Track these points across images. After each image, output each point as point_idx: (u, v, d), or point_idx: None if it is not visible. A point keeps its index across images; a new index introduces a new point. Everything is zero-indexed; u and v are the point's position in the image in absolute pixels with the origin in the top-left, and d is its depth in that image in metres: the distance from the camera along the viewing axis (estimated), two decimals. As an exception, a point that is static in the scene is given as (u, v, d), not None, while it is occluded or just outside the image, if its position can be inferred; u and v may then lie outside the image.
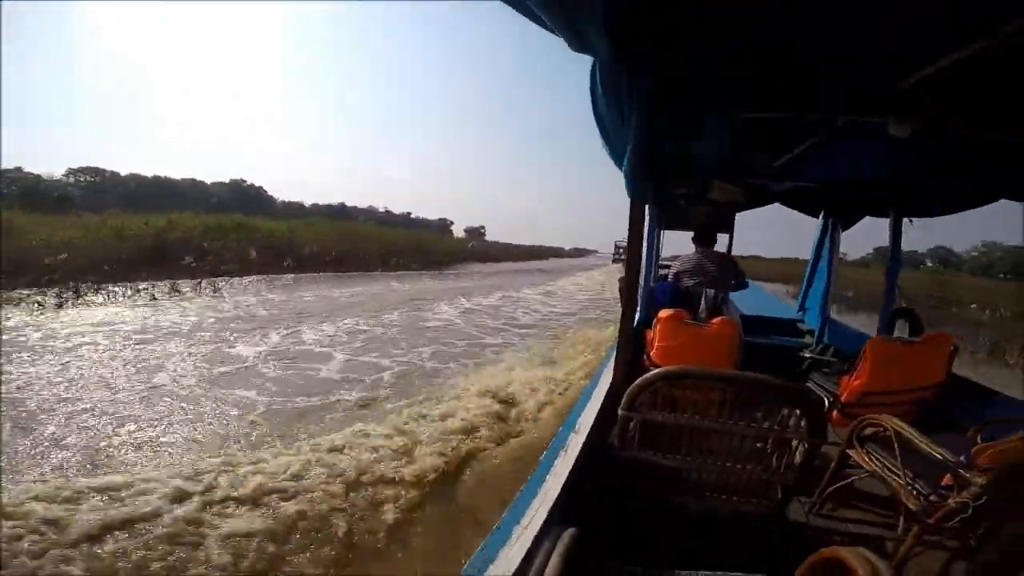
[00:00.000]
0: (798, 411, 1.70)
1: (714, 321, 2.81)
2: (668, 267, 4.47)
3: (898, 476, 2.02)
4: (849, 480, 2.33)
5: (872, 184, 3.94)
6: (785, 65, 1.99)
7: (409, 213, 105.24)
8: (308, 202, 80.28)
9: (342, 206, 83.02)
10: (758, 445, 1.81)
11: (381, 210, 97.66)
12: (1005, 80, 1.84)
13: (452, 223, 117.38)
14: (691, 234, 4.33)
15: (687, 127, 2.81)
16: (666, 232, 6.37)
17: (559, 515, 1.44)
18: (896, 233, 4.11)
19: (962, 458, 1.79)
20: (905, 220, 4.04)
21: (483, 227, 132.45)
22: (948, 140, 2.46)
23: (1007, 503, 1.66)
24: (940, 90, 1.91)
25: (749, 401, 1.75)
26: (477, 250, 47.99)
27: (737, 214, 5.89)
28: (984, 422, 2.21)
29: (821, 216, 5.10)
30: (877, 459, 2.16)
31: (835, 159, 3.32)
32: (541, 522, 1.34)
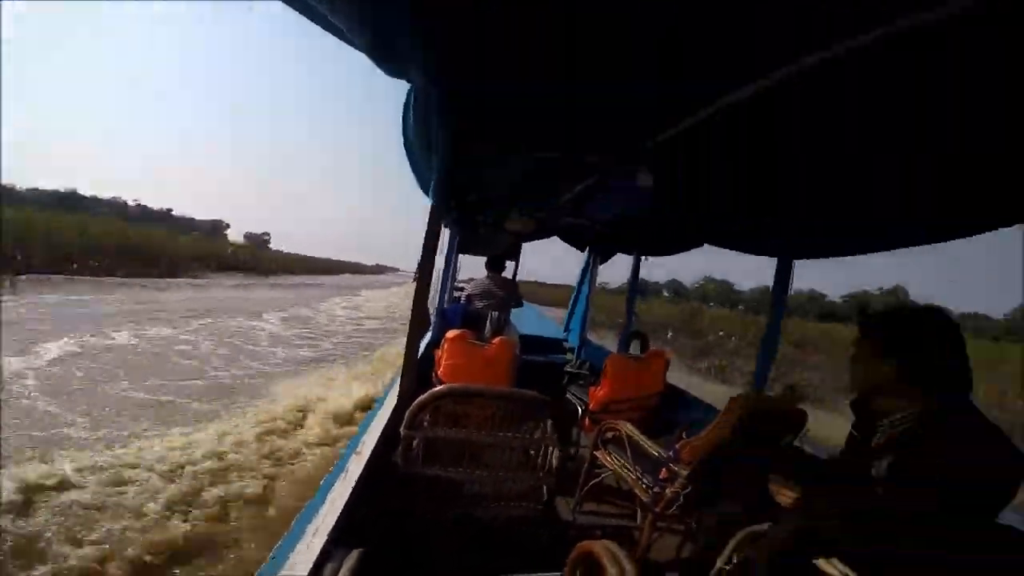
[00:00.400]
0: (550, 421, 1.94)
1: (494, 341, 3.03)
2: (463, 289, 4.72)
3: (632, 473, 2.37)
4: (600, 479, 2.66)
5: (622, 225, 4.65)
6: (567, 116, 2.24)
7: (170, 209, 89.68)
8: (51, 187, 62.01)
9: (74, 193, 66.63)
10: (531, 452, 1.98)
11: (131, 203, 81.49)
12: (721, 146, 2.29)
13: (228, 225, 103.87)
14: (477, 258, 4.66)
15: (489, 161, 3.00)
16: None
17: (342, 539, 1.40)
18: (636, 269, 4.99)
19: (671, 454, 2.19)
20: (643, 257, 4.94)
21: (267, 234, 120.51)
22: (675, 193, 2.99)
23: (705, 489, 2.06)
24: (674, 150, 2.34)
25: (520, 414, 1.94)
26: (245, 258, 41.25)
27: (525, 243, 6.42)
28: (688, 423, 2.68)
29: (587, 250, 5.89)
30: (616, 459, 2.50)
31: (601, 201, 3.82)
32: (320, 547, 1.29)
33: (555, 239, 5.80)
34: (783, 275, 3.00)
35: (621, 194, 3.31)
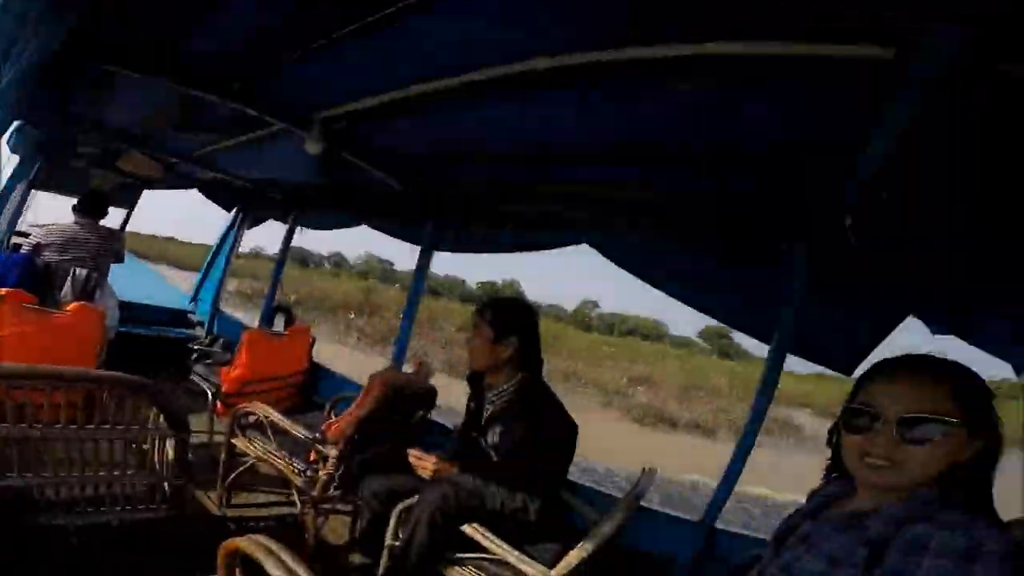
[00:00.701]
0: (158, 407, 1.63)
1: (69, 308, 2.28)
2: (29, 236, 3.54)
3: (279, 458, 2.19)
4: (248, 467, 2.37)
5: (280, 189, 4.29)
6: (231, 53, 1.94)
7: None
8: None
9: None
10: (135, 445, 1.70)
11: None
12: (392, 134, 2.41)
13: None
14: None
15: (103, 83, 2.38)
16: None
17: None
18: (289, 237, 4.61)
19: (317, 435, 2.09)
20: (300, 228, 4.60)
21: None
22: (342, 166, 2.89)
23: (359, 468, 2.03)
24: (346, 125, 2.32)
25: (115, 401, 1.56)
26: None
27: (148, 191, 5.27)
28: (332, 400, 2.70)
29: (235, 211, 5.20)
30: (259, 445, 2.28)
31: (261, 160, 3.44)
32: None
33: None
34: (424, 262, 3.33)
35: (284, 157, 3.05)
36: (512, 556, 1.49)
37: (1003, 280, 1.72)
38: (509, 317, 1.75)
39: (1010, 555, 0.65)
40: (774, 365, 2.13)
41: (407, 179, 2.87)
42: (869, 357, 1.93)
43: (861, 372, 0.92)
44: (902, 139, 1.25)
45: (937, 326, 1.82)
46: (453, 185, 2.91)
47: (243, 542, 0.79)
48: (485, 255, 3.31)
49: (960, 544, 0.66)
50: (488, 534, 1.53)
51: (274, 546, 0.77)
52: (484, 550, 1.54)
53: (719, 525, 2.19)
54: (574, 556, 1.41)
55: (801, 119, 1.49)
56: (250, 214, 5.15)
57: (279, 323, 3.33)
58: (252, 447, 2.31)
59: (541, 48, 1.47)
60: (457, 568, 1.60)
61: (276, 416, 2.20)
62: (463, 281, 40.62)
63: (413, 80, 1.82)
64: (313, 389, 3.32)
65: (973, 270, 1.76)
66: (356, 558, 2.17)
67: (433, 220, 3.18)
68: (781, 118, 1.51)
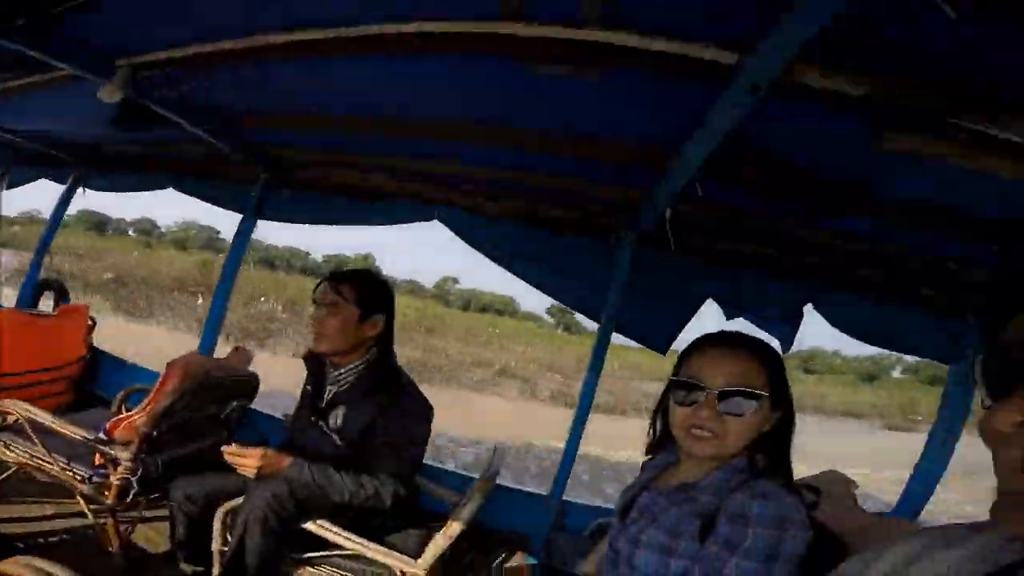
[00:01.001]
0: None
1: None
2: None
3: (52, 463, 1.84)
4: (6, 477, 1.99)
5: (61, 145, 3.51)
6: None
7: None
8: None
9: None
10: None
11: None
12: (217, 89, 2.12)
13: None
14: None
15: None
16: None
17: None
18: (67, 197, 3.72)
19: (101, 434, 1.79)
20: (83, 189, 3.74)
21: None
22: (146, 118, 2.41)
23: (164, 468, 1.78)
24: (158, 75, 2.00)
25: None
26: None
27: None
28: (122, 393, 2.31)
29: None
30: (21, 450, 1.92)
31: (36, 110, 2.79)
32: None
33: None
34: (245, 230, 2.99)
35: (71, 108, 2.61)
36: (369, 549, 1.40)
37: (775, 273, 2.11)
38: (375, 292, 1.62)
39: (807, 523, 0.77)
40: (601, 343, 2.34)
41: (233, 139, 2.54)
42: (680, 337, 2.22)
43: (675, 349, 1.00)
44: (721, 143, 1.36)
45: (729, 309, 2.17)
46: (288, 149, 2.66)
47: (8, 565, 0.66)
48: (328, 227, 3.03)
49: (773, 514, 0.76)
50: (335, 529, 1.42)
51: (50, 566, 0.64)
52: (336, 546, 1.43)
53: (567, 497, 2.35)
54: (440, 542, 1.37)
55: (640, 113, 1.60)
56: (9, 173, 4.09)
57: (47, 303, 2.70)
58: (11, 453, 1.91)
59: (398, 11, 1.37)
60: (309, 568, 1.48)
61: (41, 415, 1.83)
62: (307, 253, 37.38)
63: (248, 31, 1.60)
64: (93, 381, 2.84)
65: (757, 262, 2.13)
66: (185, 567, 1.87)
67: (261, 186, 2.85)
68: (624, 110, 1.61)
